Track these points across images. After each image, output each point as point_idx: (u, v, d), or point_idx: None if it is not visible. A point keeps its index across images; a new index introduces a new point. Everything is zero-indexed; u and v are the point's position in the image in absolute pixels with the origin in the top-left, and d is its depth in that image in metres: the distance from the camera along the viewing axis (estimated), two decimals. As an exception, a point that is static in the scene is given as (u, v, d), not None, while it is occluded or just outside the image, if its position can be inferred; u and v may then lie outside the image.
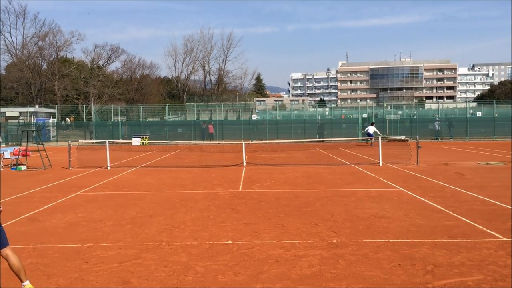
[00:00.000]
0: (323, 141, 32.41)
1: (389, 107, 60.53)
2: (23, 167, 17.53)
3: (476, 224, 7.73)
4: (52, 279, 5.38)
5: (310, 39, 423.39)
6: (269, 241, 6.86)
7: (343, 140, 31.37)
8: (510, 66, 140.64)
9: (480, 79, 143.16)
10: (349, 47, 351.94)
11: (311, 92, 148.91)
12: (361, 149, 25.02)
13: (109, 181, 13.84)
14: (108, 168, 17.20)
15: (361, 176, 14.20)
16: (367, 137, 30.64)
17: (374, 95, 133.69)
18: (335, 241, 6.82)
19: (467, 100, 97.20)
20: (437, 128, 36.31)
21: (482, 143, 31.42)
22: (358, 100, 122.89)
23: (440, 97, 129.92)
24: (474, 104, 63.48)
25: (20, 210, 9.50)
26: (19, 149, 18.59)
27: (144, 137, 33.12)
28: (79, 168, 17.30)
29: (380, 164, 17.10)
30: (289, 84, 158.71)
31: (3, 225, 5.10)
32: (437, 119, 38.30)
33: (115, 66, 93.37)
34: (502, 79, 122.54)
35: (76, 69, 64.87)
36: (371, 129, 32.09)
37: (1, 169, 17.59)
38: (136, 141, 29.84)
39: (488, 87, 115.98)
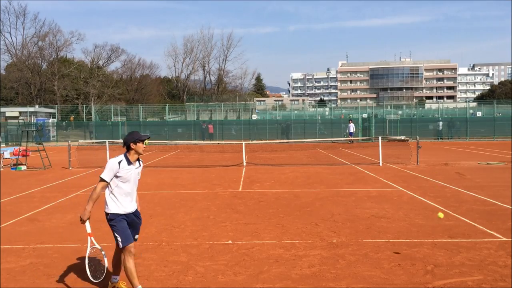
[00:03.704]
0: (288, 141, 32.38)
1: (389, 107, 60.52)
2: (23, 167, 17.52)
3: (476, 224, 7.73)
4: (52, 279, 5.37)
5: (311, 39, 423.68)
6: (269, 241, 6.85)
7: (343, 140, 31.36)
8: (510, 66, 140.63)
9: (480, 79, 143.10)
10: (350, 47, 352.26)
11: (311, 92, 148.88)
12: (361, 149, 25.01)
13: (109, 181, 13.81)
14: (108, 168, 17.19)
15: (361, 176, 14.20)
16: (350, 137, 31.15)
17: (374, 95, 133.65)
18: (335, 241, 6.82)
19: (467, 100, 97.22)
20: (440, 128, 36.42)
21: (482, 143, 31.43)
22: (358, 100, 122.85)
23: (440, 97, 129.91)
24: (474, 104, 63.47)
25: (20, 210, 9.50)
26: (19, 149, 18.59)
27: (144, 137, 33.05)
28: (79, 168, 17.30)
29: (380, 164, 17.10)
30: (289, 84, 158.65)
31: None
32: (440, 119, 38.39)
33: (115, 66, 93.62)
34: (502, 79, 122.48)
35: (76, 69, 64.83)
36: (352, 127, 32.55)
37: (1, 169, 17.59)
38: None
39: (488, 87, 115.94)
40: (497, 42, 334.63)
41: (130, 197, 4.84)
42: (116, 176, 4.71)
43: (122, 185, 4.74)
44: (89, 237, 4.89)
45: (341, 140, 31.50)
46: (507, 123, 35.85)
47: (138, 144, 4.75)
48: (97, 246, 4.94)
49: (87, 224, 4.78)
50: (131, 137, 4.76)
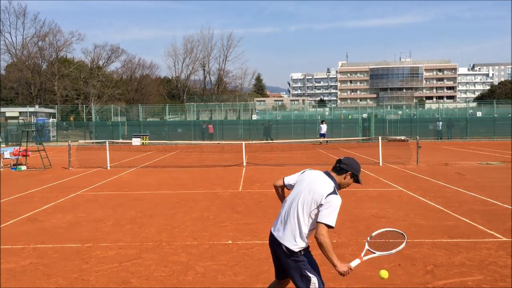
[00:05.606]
0: (269, 142, 32.33)
1: (389, 107, 60.54)
2: (23, 167, 17.52)
3: (476, 224, 7.72)
4: (52, 279, 5.37)
5: (311, 39, 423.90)
6: (269, 241, 6.84)
7: (343, 140, 31.37)
8: (510, 66, 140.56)
9: (480, 79, 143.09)
10: (350, 47, 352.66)
11: (311, 92, 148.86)
12: (361, 149, 25.00)
13: (109, 181, 13.84)
14: (108, 168, 17.20)
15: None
16: (322, 138, 31.17)
17: (374, 95, 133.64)
18: (335, 241, 6.82)
19: (467, 100, 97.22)
20: (439, 128, 36.49)
21: (482, 143, 31.42)
22: (358, 100, 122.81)
23: (440, 97, 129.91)
24: (474, 104, 63.47)
25: (20, 210, 9.50)
26: (19, 149, 18.58)
27: (144, 137, 33.12)
28: (79, 168, 17.30)
29: (380, 164, 17.09)
30: (289, 84, 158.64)
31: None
32: (440, 119, 38.44)
33: (115, 66, 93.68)
34: (502, 79, 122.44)
35: (76, 69, 64.85)
36: (324, 128, 32.55)
37: (1, 169, 17.59)
38: (136, 141, 29.84)
39: (488, 87, 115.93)
40: (497, 42, 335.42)
41: None
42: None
43: None
44: (361, 259, 3.82)
45: (341, 140, 31.54)
46: (507, 123, 35.86)
47: (350, 179, 3.82)
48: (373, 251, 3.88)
49: (352, 264, 3.78)
50: (355, 168, 3.81)
